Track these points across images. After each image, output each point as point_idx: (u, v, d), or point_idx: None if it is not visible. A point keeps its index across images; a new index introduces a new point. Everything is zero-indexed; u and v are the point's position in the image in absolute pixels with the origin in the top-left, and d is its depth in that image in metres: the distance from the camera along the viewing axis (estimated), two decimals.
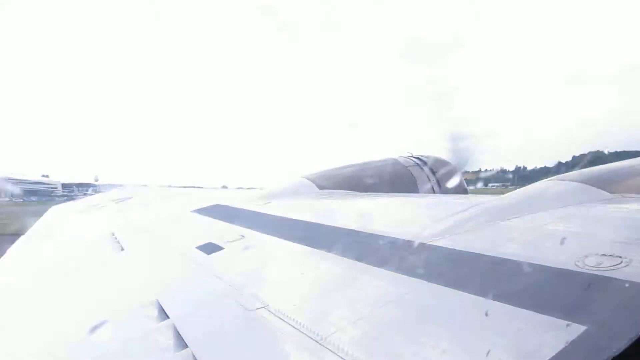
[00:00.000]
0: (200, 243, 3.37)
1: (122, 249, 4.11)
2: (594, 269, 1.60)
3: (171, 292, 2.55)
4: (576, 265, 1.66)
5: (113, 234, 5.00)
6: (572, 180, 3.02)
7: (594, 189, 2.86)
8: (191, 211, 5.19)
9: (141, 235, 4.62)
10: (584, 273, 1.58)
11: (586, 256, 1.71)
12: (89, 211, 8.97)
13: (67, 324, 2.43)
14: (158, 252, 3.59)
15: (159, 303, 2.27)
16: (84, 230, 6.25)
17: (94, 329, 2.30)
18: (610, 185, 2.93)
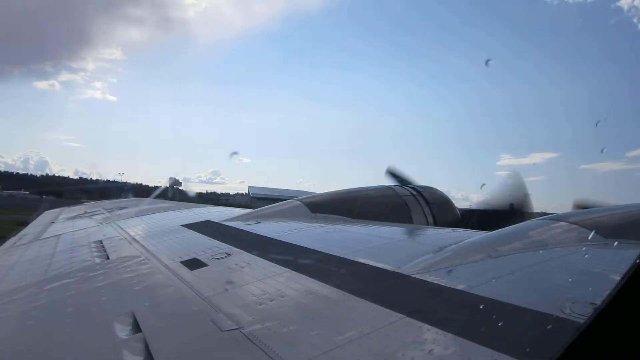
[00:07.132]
0: (186, 258, 3.36)
1: (108, 258, 4.08)
2: (580, 317, 1.52)
3: (148, 305, 2.51)
4: (562, 311, 1.58)
5: (101, 243, 4.98)
6: (567, 221, 2.90)
7: (588, 231, 2.75)
8: (181, 225, 5.17)
9: (128, 245, 4.58)
10: (568, 320, 1.52)
11: (573, 303, 1.63)
12: (80, 219, 8.93)
13: (40, 329, 2.40)
14: (142, 264, 3.55)
15: (134, 315, 2.23)
16: (72, 238, 6.20)
17: (66, 335, 2.26)
18: (605, 229, 2.81)
